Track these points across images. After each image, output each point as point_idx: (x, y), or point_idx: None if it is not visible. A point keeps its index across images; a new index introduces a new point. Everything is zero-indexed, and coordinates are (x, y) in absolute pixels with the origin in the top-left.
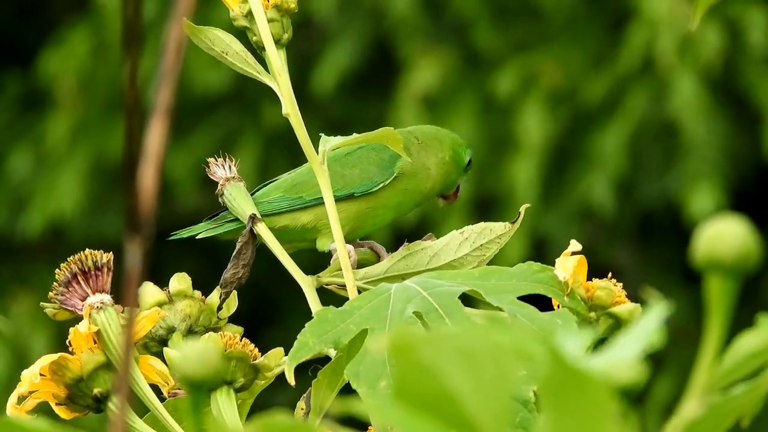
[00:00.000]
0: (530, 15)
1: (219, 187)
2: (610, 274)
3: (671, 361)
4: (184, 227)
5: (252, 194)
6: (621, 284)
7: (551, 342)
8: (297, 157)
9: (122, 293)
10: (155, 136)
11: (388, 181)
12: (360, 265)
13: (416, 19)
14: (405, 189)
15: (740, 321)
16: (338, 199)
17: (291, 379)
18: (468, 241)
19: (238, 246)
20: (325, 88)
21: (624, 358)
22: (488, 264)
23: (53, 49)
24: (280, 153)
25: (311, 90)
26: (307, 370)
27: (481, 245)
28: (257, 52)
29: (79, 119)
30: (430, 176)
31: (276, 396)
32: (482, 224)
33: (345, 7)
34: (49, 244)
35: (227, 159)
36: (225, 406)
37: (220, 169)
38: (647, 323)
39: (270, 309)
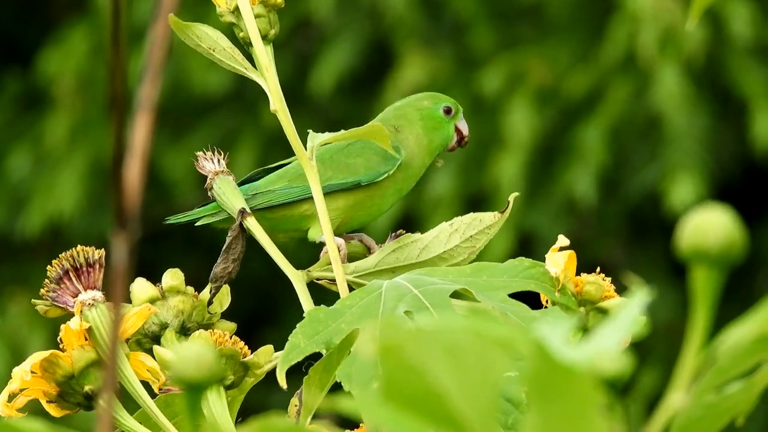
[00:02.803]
0: (530, 15)
1: (208, 180)
2: (598, 269)
3: (658, 354)
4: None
5: (252, 181)
6: (609, 279)
7: (536, 337)
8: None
9: (111, 289)
10: (140, 131)
11: (392, 171)
12: (350, 258)
13: (414, 19)
14: (403, 177)
15: (733, 317)
16: (344, 188)
17: (283, 383)
18: (458, 232)
19: (227, 240)
20: (324, 89)
21: (607, 349)
22: (477, 256)
23: (52, 49)
24: (279, 153)
25: (309, 90)
26: (301, 366)
27: (471, 236)
28: (245, 48)
29: (79, 119)
30: (417, 155)
31: (270, 394)
32: (471, 215)
33: (343, 7)
34: (48, 244)
35: (216, 153)
36: (215, 403)
37: (209, 163)
38: (629, 311)
39: (269, 309)
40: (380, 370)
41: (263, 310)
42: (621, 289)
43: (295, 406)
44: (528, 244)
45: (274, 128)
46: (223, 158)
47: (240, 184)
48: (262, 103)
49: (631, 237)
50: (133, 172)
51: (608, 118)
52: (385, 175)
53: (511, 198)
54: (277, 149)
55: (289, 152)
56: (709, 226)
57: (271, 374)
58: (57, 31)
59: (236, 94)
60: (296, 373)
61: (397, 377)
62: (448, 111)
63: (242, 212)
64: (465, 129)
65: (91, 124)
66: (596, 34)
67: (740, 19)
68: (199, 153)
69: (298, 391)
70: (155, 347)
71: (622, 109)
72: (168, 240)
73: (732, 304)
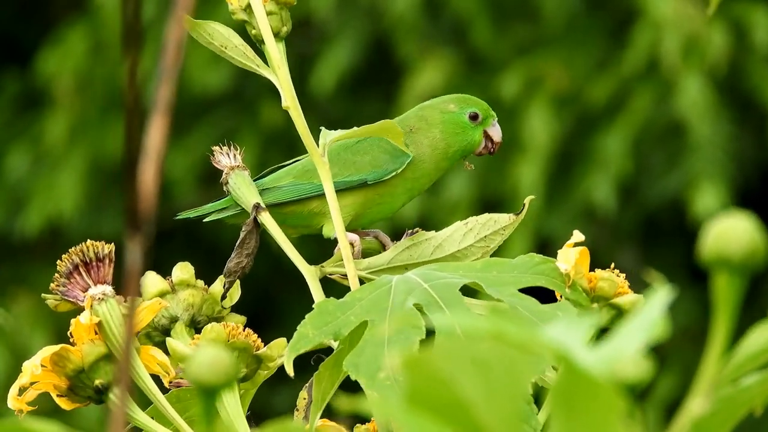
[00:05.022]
0: (528, 16)
1: (224, 175)
2: (612, 265)
3: (675, 360)
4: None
5: (259, 179)
6: (637, 274)
7: (559, 345)
8: (296, 156)
9: (123, 290)
10: (155, 134)
11: (400, 170)
12: (365, 254)
13: (415, 19)
14: (413, 177)
15: (743, 322)
16: (350, 186)
17: (290, 371)
18: (472, 232)
19: (241, 235)
20: (325, 88)
21: (628, 352)
22: (492, 257)
23: (51, 49)
24: (279, 152)
25: (311, 90)
26: (309, 361)
27: (485, 236)
28: (256, 45)
29: (77, 118)
30: (430, 158)
31: (278, 393)
32: (486, 215)
33: (344, 6)
34: (47, 244)
35: (232, 147)
36: (228, 396)
37: (225, 158)
38: (650, 312)
39: (272, 310)
40: (405, 381)
41: (266, 310)
42: (637, 293)
43: (304, 399)
44: (546, 251)
45: (273, 127)
46: (239, 153)
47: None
48: (261, 102)
49: (648, 243)
50: (148, 175)
51: (630, 125)
52: (393, 173)
53: (527, 201)
54: (277, 148)
55: (290, 151)
56: (731, 233)
57: (279, 374)
58: (56, 31)
59: (235, 94)
60: (307, 366)
61: (423, 388)
62: (474, 117)
63: (257, 207)
64: (497, 135)
65: (90, 124)
66: (616, 41)
67: (763, 27)
68: (215, 147)
69: (307, 385)
70: (168, 339)
71: (644, 117)
72: (169, 240)
73: (746, 312)
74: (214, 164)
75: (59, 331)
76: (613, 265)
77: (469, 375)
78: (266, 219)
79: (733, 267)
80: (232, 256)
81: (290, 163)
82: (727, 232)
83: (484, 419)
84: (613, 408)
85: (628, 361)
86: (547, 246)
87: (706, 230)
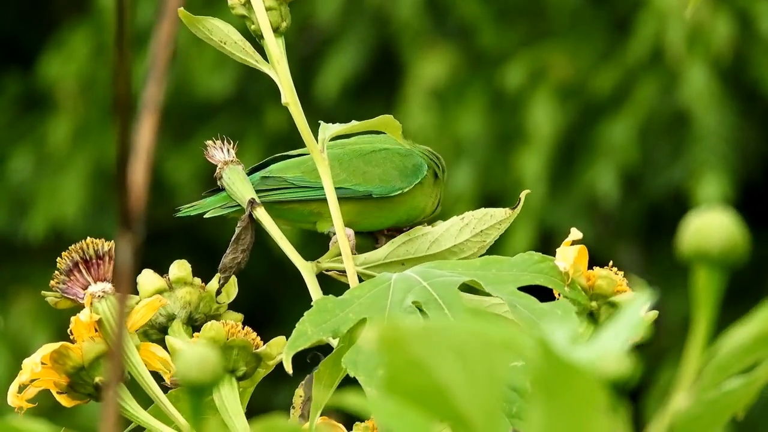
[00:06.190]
0: (534, 15)
1: (217, 170)
2: (611, 263)
3: (677, 353)
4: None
5: (265, 166)
6: (626, 274)
7: (541, 334)
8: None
9: (114, 287)
10: (145, 132)
11: (406, 190)
12: (358, 248)
13: (420, 23)
14: (423, 198)
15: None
16: (355, 196)
17: (289, 368)
18: (468, 226)
19: (237, 231)
20: (329, 93)
21: (611, 350)
22: (489, 251)
23: (54, 52)
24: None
25: (315, 94)
26: (305, 359)
27: (482, 231)
28: (256, 41)
29: (81, 122)
30: (430, 204)
31: (279, 386)
32: (483, 210)
33: (348, 11)
34: (50, 246)
35: (225, 142)
36: (227, 394)
37: (219, 152)
38: (632, 313)
39: (273, 307)
40: (382, 364)
41: (265, 308)
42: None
43: (300, 396)
44: (549, 241)
45: (277, 131)
46: (233, 148)
47: (250, 173)
48: (265, 105)
49: (651, 235)
50: (138, 174)
51: (634, 115)
52: (399, 192)
53: (523, 195)
54: (281, 152)
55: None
56: (711, 228)
57: (280, 373)
58: (58, 33)
59: (239, 97)
60: (304, 364)
61: (400, 372)
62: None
63: (252, 203)
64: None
65: (93, 127)
66: (621, 31)
67: None
68: (209, 142)
69: (303, 382)
70: (167, 337)
71: (648, 107)
72: (168, 241)
73: (748, 305)
74: (208, 159)
75: (61, 331)
76: (611, 263)
77: (448, 361)
78: (261, 214)
79: (712, 261)
80: (228, 251)
81: (298, 155)
82: (706, 227)
83: (464, 404)
84: (595, 399)
85: (611, 358)
86: (550, 238)
87: (686, 225)
